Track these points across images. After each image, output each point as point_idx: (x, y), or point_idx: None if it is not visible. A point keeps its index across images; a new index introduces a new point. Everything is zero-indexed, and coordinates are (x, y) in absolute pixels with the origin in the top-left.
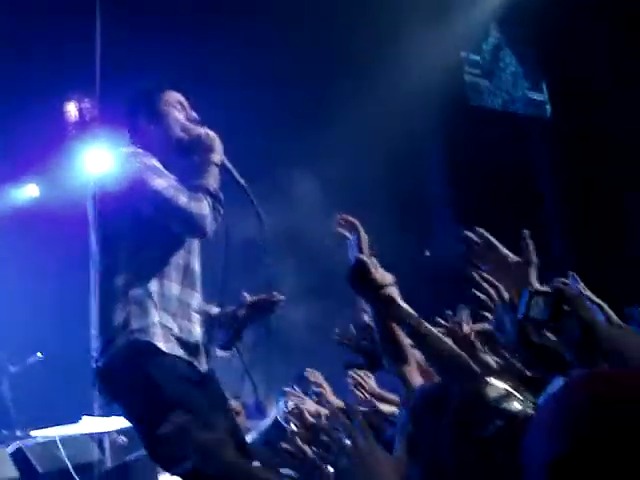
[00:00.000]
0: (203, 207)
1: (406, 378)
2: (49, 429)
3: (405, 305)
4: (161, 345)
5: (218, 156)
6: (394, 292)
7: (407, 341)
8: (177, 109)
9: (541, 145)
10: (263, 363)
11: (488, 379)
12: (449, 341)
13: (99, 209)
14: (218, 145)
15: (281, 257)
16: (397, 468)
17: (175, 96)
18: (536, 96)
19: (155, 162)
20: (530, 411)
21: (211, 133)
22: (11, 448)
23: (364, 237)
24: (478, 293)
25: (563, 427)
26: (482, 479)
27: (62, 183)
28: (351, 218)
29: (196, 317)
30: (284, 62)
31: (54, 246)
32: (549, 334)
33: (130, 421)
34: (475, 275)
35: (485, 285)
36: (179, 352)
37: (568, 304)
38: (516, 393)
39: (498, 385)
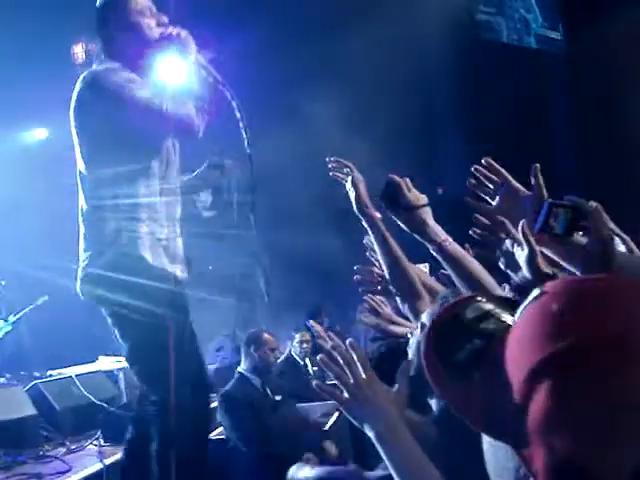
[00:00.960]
0: (190, 108)
1: (419, 311)
2: (66, 369)
3: (437, 226)
4: (148, 256)
5: (193, 55)
6: (427, 212)
7: (416, 275)
8: (146, 15)
9: (556, 80)
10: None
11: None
12: (475, 261)
13: (82, 123)
14: (192, 43)
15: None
16: (397, 401)
17: (144, 2)
18: (553, 35)
19: (132, 75)
20: (509, 325)
21: (184, 32)
22: (28, 387)
23: (359, 178)
24: (479, 230)
25: (540, 333)
26: (461, 402)
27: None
28: (343, 160)
29: (178, 228)
30: None
31: (65, 186)
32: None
33: (114, 325)
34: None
35: (486, 220)
36: (164, 261)
37: (587, 218)
38: (497, 312)
39: (477, 305)
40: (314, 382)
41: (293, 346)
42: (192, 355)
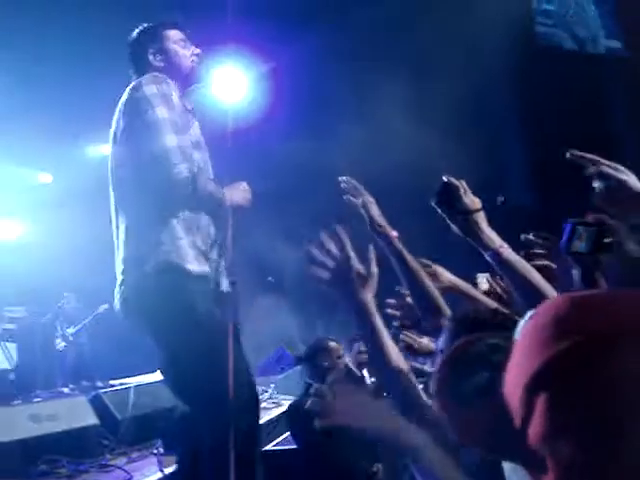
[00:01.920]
0: (182, 165)
1: (441, 329)
2: (127, 379)
3: (492, 231)
4: (192, 267)
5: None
6: (482, 217)
7: (437, 292)
8: (181, 46)
9: (616, 87)
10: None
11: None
12: (532, 269)
13: (128, 140)
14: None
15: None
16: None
17: (177, 34)
18: (612, 43)
19: (173, 90)
20: None
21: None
22: (91, 397)
23: (369, 200)
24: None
25: (534, 344)
26: (473, 431)
27: None
28: (354, 182)
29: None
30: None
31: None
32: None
33: (152, 336)
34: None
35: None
36: (207, 271)
37: (612, 236)
38: (504, 344)
39: (487, 339)
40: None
41: (350, 356)
42: (239, 369)
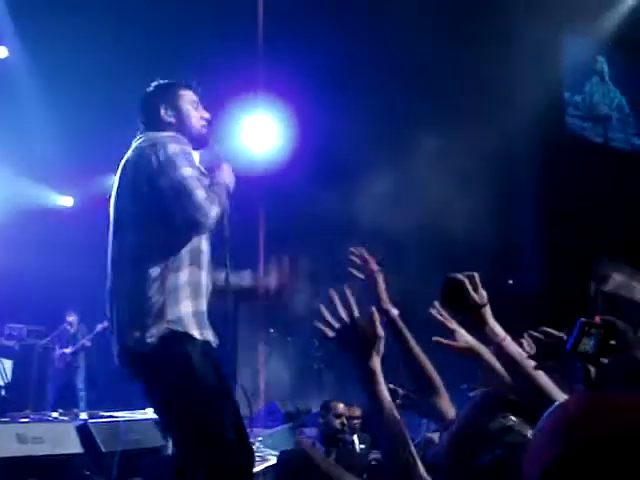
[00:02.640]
0: (213, 208)
1: (439, 409)
2: (117, 412)
3: (496, 325)
4: (195, 334)
5: (228, 176)
6: (487, 311)
7: (434, 373)
8: (193, 107)
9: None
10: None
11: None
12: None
13: (136, 182)
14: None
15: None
16: None
17: (191, 95)
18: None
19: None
20: (529, 440)
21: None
22: (78, 424)
23: (379, 277)
24: None
25: (558, 433)
26: None
27: None
28: (364, 252)
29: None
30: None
31: None
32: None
33: (156, 405)
34: None
35: None
36: (210, 337)
37: (619, 339)
38: (518, 428)
39: (502, 420)
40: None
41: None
42: (238, 424)
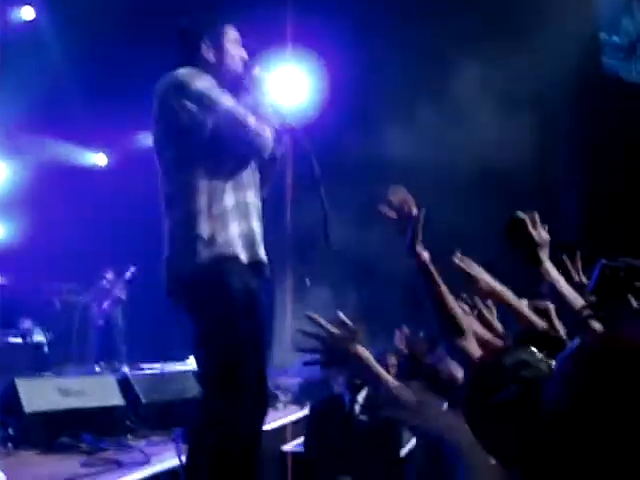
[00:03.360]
0: (267, 131)
1: (465, 351)
2: (157, 364)
3: (552, 266)
4: (242, 256)
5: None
6: (545, 252)
7: (462, 316)
8: (235, 47)
9: None
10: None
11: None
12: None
13: (167, 125)
14: (264, 83)
15: None
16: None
17: (234, 33)
18: None
19: (214, 82)
20: (547, 373)
21: (260, 72)
22: (119, 377)
23: (418, 218)
24: None
25: (579, 372)
26: (498, 443)
27: None
28: (405, 192)
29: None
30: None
31: None
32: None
33: (198, 329)
34: None
35: None
36: (261, 256)
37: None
38: (534, 361)
39: (516, 354)
40: None
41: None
42: (262, 365)
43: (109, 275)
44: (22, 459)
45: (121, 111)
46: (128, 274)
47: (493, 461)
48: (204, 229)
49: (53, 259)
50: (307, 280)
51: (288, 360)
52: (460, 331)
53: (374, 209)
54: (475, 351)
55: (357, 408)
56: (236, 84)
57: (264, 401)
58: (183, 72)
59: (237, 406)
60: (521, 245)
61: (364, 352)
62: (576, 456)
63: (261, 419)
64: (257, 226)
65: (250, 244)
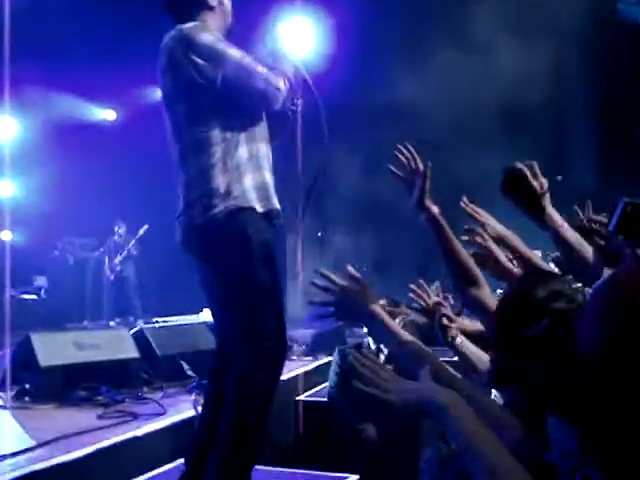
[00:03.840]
0: (280, 82)
1: (481, 301)
2: (171, 317)
3: (554, 212)
4: (257, 207)
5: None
6: (546, 199)
7: (475, 266)
8: None
9: None
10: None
11: (539, 279)
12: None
13: (176, 81)
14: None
15: None
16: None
17: None
18: None
19: (220, 34)
20: (583, 303)
21: (280, 27)
22: (134, 331)
23: (425, 180)
24: None
25: (615, 310)
26: (529, 380)
27: None
28: (412, 150)
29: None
30: None
31: None
32: None
33: (215, 280)
34: None
35: None
36: (275, 206)
37: None
38: (568, 291)
39: (548, 284)
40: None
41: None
42: (282, 314)
43: (121, 230)
44: (39, 413)
45: (129, 66)
46: (141, 231)
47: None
48: (219, 182)
49: (65, 215)
50: (319, 234)
51: (301, 312)
52: (475, 281)
53: (387, 154)
54: (490, 300)
55: (382, 357)
56: (232, 30)
57: (284, 350)
58: (189, 26)
59: (265, 354)
60: (522, 196)
61: (377, 307)
62: (612, 399)
63: (282, 368)
64: (270, 177)
65: (265, 195)
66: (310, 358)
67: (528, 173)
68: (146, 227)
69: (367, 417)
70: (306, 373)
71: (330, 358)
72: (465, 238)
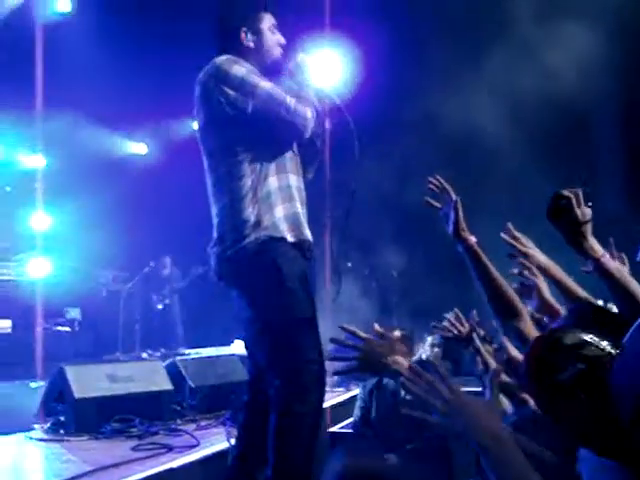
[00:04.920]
0: (308, 111)
1: (522, 331)
2: (203, 349)
3: (595, 242)
4: (289, 237)
5: (309, 79)
6: (588, 228)
7: (515, 296)
8: (272, 32)
9: None
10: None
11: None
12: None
13: (208, 113)
14: (307, 69)
15: None
16: (491, 409)
17: (271, 19)
18: None
19: (253, 67)
20: (614, 353)
21: (301, 57)
22: (167, 363)
23: (459, 204)
24: None
25: None
26: (571, 419)
27: None
28: (443, 182)
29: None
30: None
31: None
32: None
33: (248, 310)
34: None
35: None
36: (306, 237)
37: None
38: (595, 342)
39: (575, 334)
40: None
41: (423, 349)
42: (319, 344)
43: (167, 260)
44: (73, 445)
45: (161, 100)
46: (195, 270)
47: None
48: (249, 212)
49: (97, 248)
50: (349, 264)
51: (327, 344)
52: (515, 312)
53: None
54: (531, 331)
55: (403, 392)
56: (275, 68)
57: (324, 380)
58: (222, 59)
59: (307, 383)
60: (566, 223)
61: (403, 362)
62: None
63: (322, 400)
64: (301, 208)
65: (296, 225)
66: (341, 389)
67: (573, 199)
68: (200, 270)
69: (392, 447)
70: (337, 404)
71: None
72: (514, 271)
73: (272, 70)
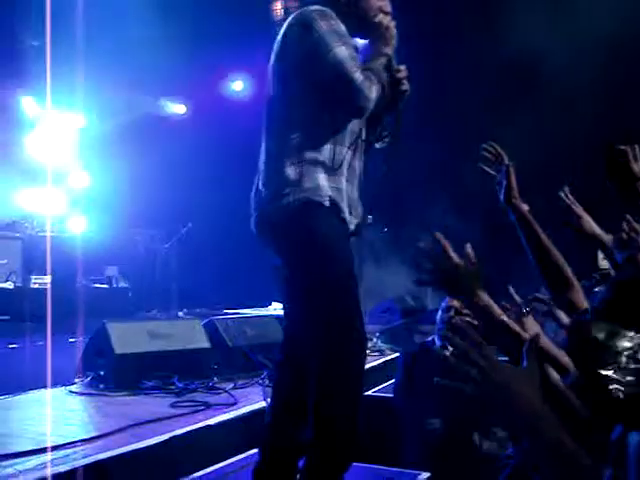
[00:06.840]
0: (372, 90)
1: (572, 301)
2: (241, 309)
3: None
4: (326, 203)
5: (390, 52)
6: None
7: (566, 266)
8: None
9: None
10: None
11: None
12: None
13: (282, 62)
14: (394, 43)
15: None
16: (531, 380)
17: None
18: None
19: (341, 26)
20: None
21: (393, 29)
22: (205, 322)
23: (512, 171)
24: None
25: None
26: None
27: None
28: (497, 147)
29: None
30: None
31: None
32: None
33: (286, 271)
34: None
35: None
36: (344, 213)
37: None
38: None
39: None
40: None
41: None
42: (359, 308)
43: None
44: (113, 400)
45: (199, 61)
46: (184, 230)
47: None
48: (292, 171)
49: (136, 207)
50: (385, 229)
51: (367, 307)
52: (567, 282)
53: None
54: (580, 301)
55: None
56: (368, 31)
57: (365, 344)
58: (309, 10)
59: (348, 346)
60: (620, 177)
61: (485, 295)
62: None
63: (363, 363)
64: (345, 185)
65: (338, 198)
66: (377, 354)
67: (630, 155)
68: (190, 225)
69: (434, 413)
70: (373, 369)
71: (397, 354)
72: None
73: (367, 33)
